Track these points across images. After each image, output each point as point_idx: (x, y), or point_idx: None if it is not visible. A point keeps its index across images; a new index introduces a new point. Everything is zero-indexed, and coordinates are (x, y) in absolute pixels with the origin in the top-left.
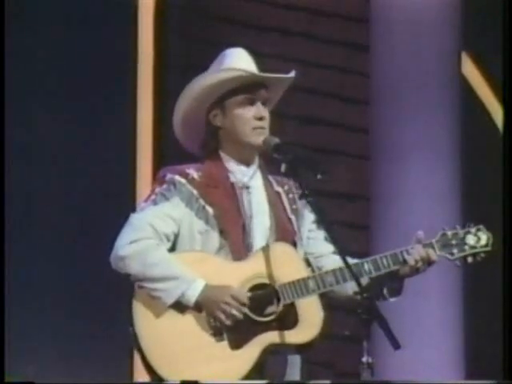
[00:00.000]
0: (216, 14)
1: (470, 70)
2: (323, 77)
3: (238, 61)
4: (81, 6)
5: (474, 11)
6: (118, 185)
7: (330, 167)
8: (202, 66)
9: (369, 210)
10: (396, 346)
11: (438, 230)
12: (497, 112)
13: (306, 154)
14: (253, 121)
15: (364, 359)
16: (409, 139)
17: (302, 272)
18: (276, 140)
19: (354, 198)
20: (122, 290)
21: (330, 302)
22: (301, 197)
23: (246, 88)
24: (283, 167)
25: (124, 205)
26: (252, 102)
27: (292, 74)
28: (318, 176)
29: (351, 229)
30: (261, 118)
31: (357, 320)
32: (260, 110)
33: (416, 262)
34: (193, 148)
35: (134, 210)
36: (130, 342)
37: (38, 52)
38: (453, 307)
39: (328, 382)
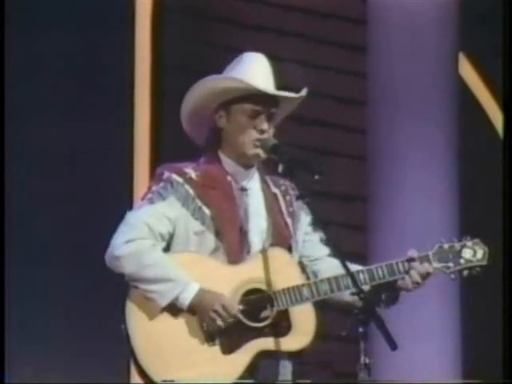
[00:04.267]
0: (214, 15)
1: (468, 71)
2: (321, 78)
3: (254, 71)
4: (79, 7)
5: (471, 12)
6: (116, 184)
7: (327, 168)
8: (200, 67)
9: (366, 210)
10: (393, 346)
11: (434, 233)
12: (494, 113)
13: (303, 155)
14: (253, 133)
15: (361, 360)
16: (406, 140)
17: (298, 279)
18: (273, 141)
19: (352, 199)
20: (121, 290)
21: (327, 303)
22: (298, 197)
23: (253, 99)
24: (280, 168)
25: (122, 204)
26: (256, 114)
27: (303, 93)
28: (316, 177)
29: (348, 229)
30: (262, 132)
31: (354, 320)
32: (263, 123)
33: (411, 275)
34: (196, 141)
35: (131, 209)
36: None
37: (37, 53)
38: (451, 306)
39: (325, 382)
